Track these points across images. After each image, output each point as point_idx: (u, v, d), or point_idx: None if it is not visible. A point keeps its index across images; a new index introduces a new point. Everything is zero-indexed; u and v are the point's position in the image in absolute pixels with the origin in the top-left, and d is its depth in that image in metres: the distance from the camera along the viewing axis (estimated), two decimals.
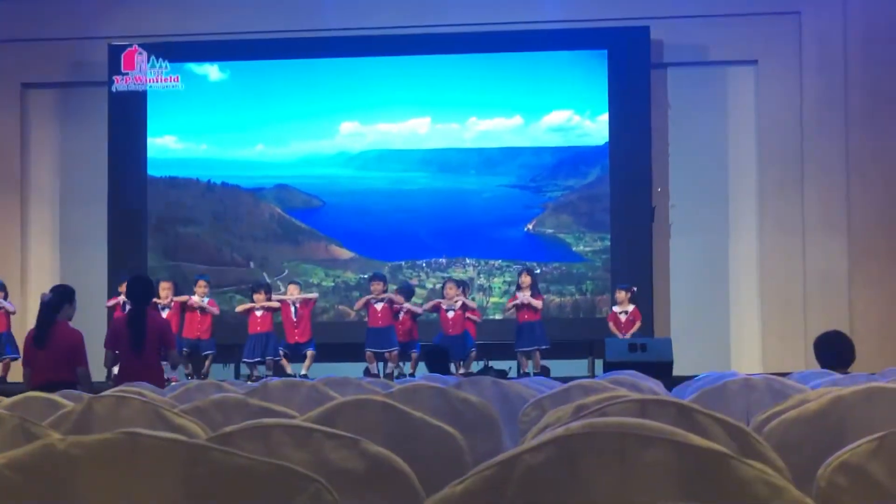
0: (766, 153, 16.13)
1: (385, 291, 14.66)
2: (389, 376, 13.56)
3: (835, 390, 3.55)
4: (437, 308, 14.67)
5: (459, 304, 14.54)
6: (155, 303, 13.97)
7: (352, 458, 2.65)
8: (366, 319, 14.79)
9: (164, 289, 14.65)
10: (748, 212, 16.27)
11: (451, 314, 14.53)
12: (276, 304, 14.78)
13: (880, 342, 14.44)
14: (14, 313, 14.89)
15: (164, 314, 14.45)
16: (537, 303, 14.59)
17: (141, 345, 9.59)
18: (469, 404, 4.19)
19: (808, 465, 2.69)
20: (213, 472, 2.12)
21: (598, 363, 14.68)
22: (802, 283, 15.81)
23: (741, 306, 16.23)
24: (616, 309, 14.67)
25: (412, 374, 13.90)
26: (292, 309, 14.75)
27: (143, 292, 10.01)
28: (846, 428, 3.28)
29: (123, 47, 16.41)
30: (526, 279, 14.67)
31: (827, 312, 15.15)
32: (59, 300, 9.87)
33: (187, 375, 14.25)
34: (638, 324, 14.57)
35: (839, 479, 2.43)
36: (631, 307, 14.62)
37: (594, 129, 16.18)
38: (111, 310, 14.74)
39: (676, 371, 12.36)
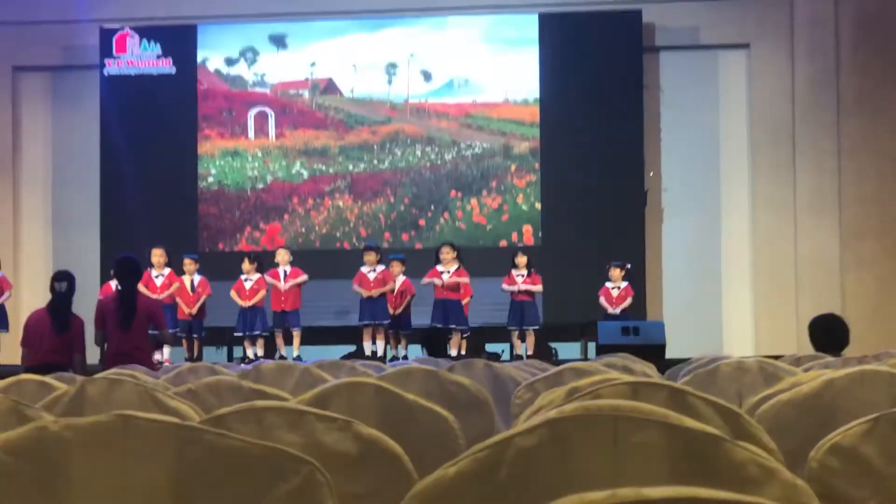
0: (758, 137, 16.15)
1: (379, 262, 14.63)
2: (383, 359, 13.58)
3: (827, 373, 3.55)
4: (434, 276, 14.58)
5: (455, 266, 14.52)
6: (148, 274, 14.07)
7: (344, 441, 2.65)
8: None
9: (157, 255, 14.60)
10: (740, 195, 16.29)
11: (446, 276, 14.50)
12: (263, 292, 14.74)
13: (872, 324, 14.46)
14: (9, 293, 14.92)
15: (158, 282, 14.48)
16: (537, 287, 14.58)
17: (130, 323, 9.64)
18: (462, 387, 4.19)
19: (800, 447, 2.69)
20: (206, 454, 2.12)
21: (591, 346, 14.68)
22: (794, 266, 15.84)
23: (733, 289, 16.26)
24: (609, 284, 14.67)
25: (405, 357, 13.92)
26: (281, 273, 14.72)
27: (130, 271, 10.03)
28: (838, 410, 3.28)
29: (115, 30, 16.39)
30: (522, 259, 14.64)
31: (818, 295, 15.20)
32: (72, 288, 10.05)
33: (186, 359, 14.29)
34: (629, 300, 14.58)
35: (831, 460, 2.44)
36: (624, 284, 14.63)
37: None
38: None
39: (669, 354, 12.38)
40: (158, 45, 16.42)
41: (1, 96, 16.99)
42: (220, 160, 16.53)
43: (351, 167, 16.46)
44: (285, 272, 14.74)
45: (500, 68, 16.35)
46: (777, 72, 16.05)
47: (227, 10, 16.58)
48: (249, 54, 16.68)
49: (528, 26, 16.24)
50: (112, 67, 16.37)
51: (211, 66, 16.71)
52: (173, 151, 16.51)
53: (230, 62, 16.70)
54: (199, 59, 16.62)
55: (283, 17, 16.60)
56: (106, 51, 16.37)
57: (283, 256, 14.84)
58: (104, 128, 16.38)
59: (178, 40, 16.54)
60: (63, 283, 10.07)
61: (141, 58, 16.39)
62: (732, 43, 16.33)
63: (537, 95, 16.21)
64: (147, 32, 16.43)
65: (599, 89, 15.97)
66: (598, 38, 16.01)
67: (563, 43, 16.10)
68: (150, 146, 16.38)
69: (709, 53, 16.49)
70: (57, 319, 9.88)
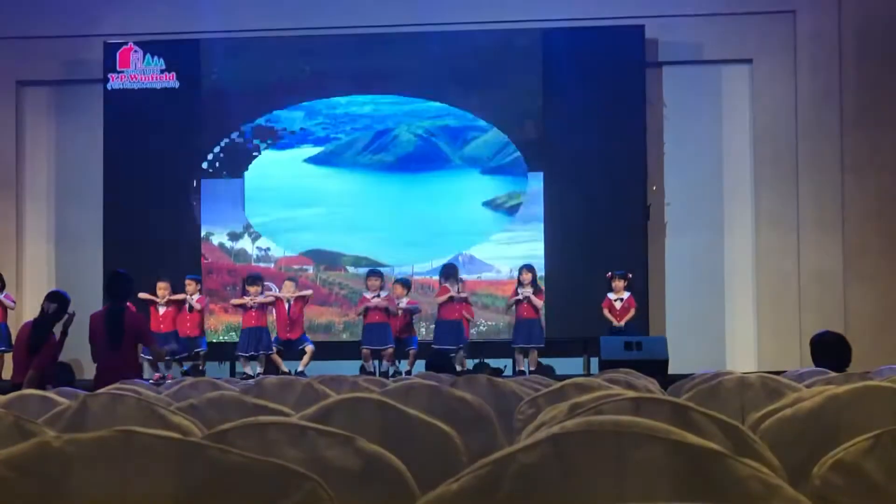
0: (760, 152, 16.14)
1: (382, 288, 14.67)
2: (385, 374, 13.57)
3: (830, 389, 3.55)
4: (449, 298, 14.61)
5: (464, 295, 14.63)
6: (144, 299, 14.13)
7: (347, 456, 2.65)
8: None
9: (161, 289, 14.71)
10: (743, 210, 16.28)
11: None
12: (271, 299, 14.78)
13: (874, 339, 14.44)
14: (13, 308, 14.98)
15: (161, 312, 14.56)
16: (538, 302, 14.60)
17: (118, 341, 9.64)
18: (464, 402, 4.19)
19: (803, 463, 2.69)
20: (208, 469, 2.12)
21: (594, 361, 14.68)
22: (797, 281, 15.82)
23: (736, 304, 16.23)
24: (611, 296, 14.65)
25: (409, 372, 13.91)
26: (286, 306, 14.76)
27: (120, 289, 10.03)
28: (841, 426, 3.28)
29: (119, 45, 16.40)
30: (527, 276, 14.64)
31: (821, 310, 15.18)
32: (61, 310, 10.05)
33: (183, 374, 14.28)
34: (633, 311, 14.57)
35: (834, 477, 2.43)
36: (626, 294, 14.62)
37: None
38: None
39: (671, 369, 12.37)
40: (162, 60, 16.41)
41: (4, 111, 16.99)
42: (224, 335, 16.25)
43: None
44: (289, 302, 14.76)
45: (506, 245, 16.19)
46: (780, 87, 16.05)
47: (230, 25, 16.58)
48: (253, 229, 16.60)
49: (534, 204, 16.15)
50: (115, 82, 16.37)
51: (215, 241, 16.52)
52: (176, 167, 16.50)
53: (234, 237, 16.59)
54: (202, 234, 16.45)
55: (291, 31, 16.58)
56: (109, 65, 16.37)
57: (288, 288, 14.89)
58: (107, 142, 16.38)
59: (182, 55, 16.52)
60: (53, 305, 10.10)
61: (144, 72, 16.39)
62: (735, 58, 16.33)
63: (542, 273, 15.71)
64: (150, 47, 16.43)
65: (602, 104, 15.97)
66: (600, 53, 16.02)
67: (565, 58, 16.09)
68: (154, 161, 16.37)
69: (711, 69, 16.49)
70: (33, 338, 9.94)
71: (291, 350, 14.71)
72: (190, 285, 14.93)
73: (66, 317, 10.29)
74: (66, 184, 17.03)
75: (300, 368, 14.31)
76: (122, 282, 10.13)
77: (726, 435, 2.65)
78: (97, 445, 2.15)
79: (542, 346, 14.61)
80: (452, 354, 14.06)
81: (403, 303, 14.70)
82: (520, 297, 14.59)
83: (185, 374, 14.31)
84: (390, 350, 14.46)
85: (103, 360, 9.70)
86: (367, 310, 14.59)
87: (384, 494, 2.63)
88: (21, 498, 2.15)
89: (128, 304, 10.27)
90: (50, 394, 5.13)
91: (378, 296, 14.57)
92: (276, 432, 2.71)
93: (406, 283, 14.98)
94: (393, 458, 2.66)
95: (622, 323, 14.44)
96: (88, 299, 15.40)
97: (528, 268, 14.80)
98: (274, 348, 14.63)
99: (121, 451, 2.13)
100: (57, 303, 10.12)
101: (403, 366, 14.54)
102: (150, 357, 10.29)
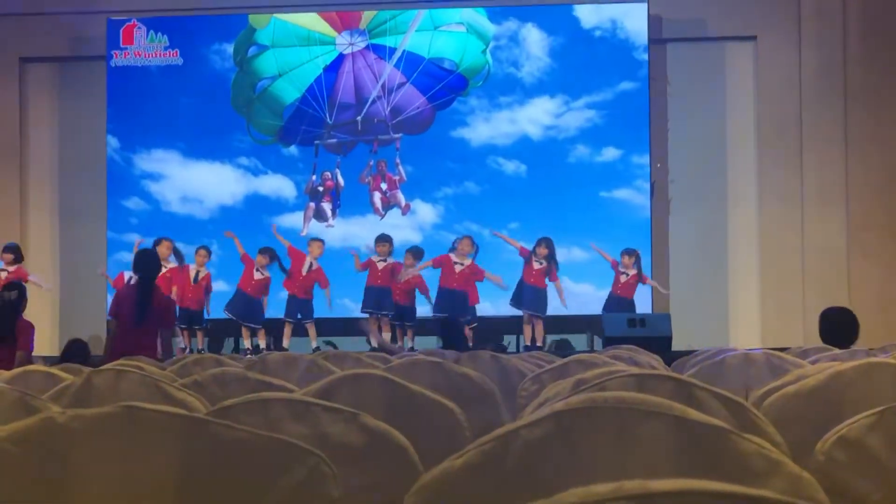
0: (764, 128, 16.11)
1: (391, 254, 14.58)
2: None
3: (834, 365, 3.55)
4: (444, 262, 14.53)
5: (470, 261, 14.47)
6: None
7: (350, 432, 2.66)
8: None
9: (164, 248, 14.52)
10: (747, 186, 16.25)
11: (458, 268, 14.45)
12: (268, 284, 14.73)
13: (878, 315, 14.43)
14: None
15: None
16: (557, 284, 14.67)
17: (143, 319, 9.56)
18: (468, 379, 4.19)
19: (806, 439, 2.69)
20: (212, 445, 2.12)
21: (598, 338, 14.68)
22: (801, 257, 15.81)
23: (740, 281, 16.23)
24: (619, 269, 14.73)
25: (412, 349, 13.91)
26: (307, 265, 14.65)
27: (150, 266, 9.97)
28: (845, 403, 3.28)
29: (122, 22, 16.37)
30: (543, 250, 14.60)
31: (826, 286, 15.17)
32: (20, 299, 10.18)
33: (182, 349, 14.24)
34: (636, 286, 14.73)
35: (838, 453, 2.44)
36: (633, 272, 14.68)
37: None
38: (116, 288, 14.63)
39: (675, 346, 12.37)
40: (166, 37, 16.39)
41: (8, 87, 16.97)
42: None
43: None
44: (311, 265, 14.65)
45: None
46: (784, 63, 16.01)
47: (233, 2, 16.56)
48: None
49: None
50: (119, 59, 16.35)
51: None
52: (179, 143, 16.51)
53: None
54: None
55: (296, 9, 16.56)
56: (113, 42, 16.35)
57: (316, 249, 14.74)
58: (111, 119, 16.37)
59: (186, 32, 16.51)
60: (13, 293, 10.23)
61: (148, 49, 16.36)
62: (739, 34, 16.30)
63: None
64: (154, 24, 16.41)
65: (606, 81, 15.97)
66: (604, 29, 15.99)
67: (569, 35, 16.08)
68: (157, 137, 16.38)
69: (716, 45, 16.45)
70: (3, 326, 10.03)
71: (297, 313, 14.64)
72: (200, 255, 14.85)
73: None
74: (70, 160, 17.02)
75: (314, 344, 14.26)
76: (149, 259, 10.08)
77: (730, 411, 2.65)
78: (101, 421, 2.15)
79: (541, 315, 14.54)
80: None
81: (412, 272, 14.60)
82: (535, 264, 14.55)
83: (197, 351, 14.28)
84: (387, 319, 14.38)
85: (122, 340, 9.53)
86: (370, 267, 14.53)
87: (388, 470, 2.64)
88: (25, 473, 2.15)
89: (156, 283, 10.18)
90: (54, 370, 5.14)
91: (385, 261, 14.50)
92: (279, 408, 2.71)
93: (417, 253, 14.82)
94: (397, 434, 2.67)
95: (621, 294, 14.57)
96: (92, 274, 15.49)
97: (546, 243, 14.68)
98: (287, 322, 14.60)
99: (125, 426, 2.13)
100: (16, 290, 10.30)
101: (408, 343, 14.52)
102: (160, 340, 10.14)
